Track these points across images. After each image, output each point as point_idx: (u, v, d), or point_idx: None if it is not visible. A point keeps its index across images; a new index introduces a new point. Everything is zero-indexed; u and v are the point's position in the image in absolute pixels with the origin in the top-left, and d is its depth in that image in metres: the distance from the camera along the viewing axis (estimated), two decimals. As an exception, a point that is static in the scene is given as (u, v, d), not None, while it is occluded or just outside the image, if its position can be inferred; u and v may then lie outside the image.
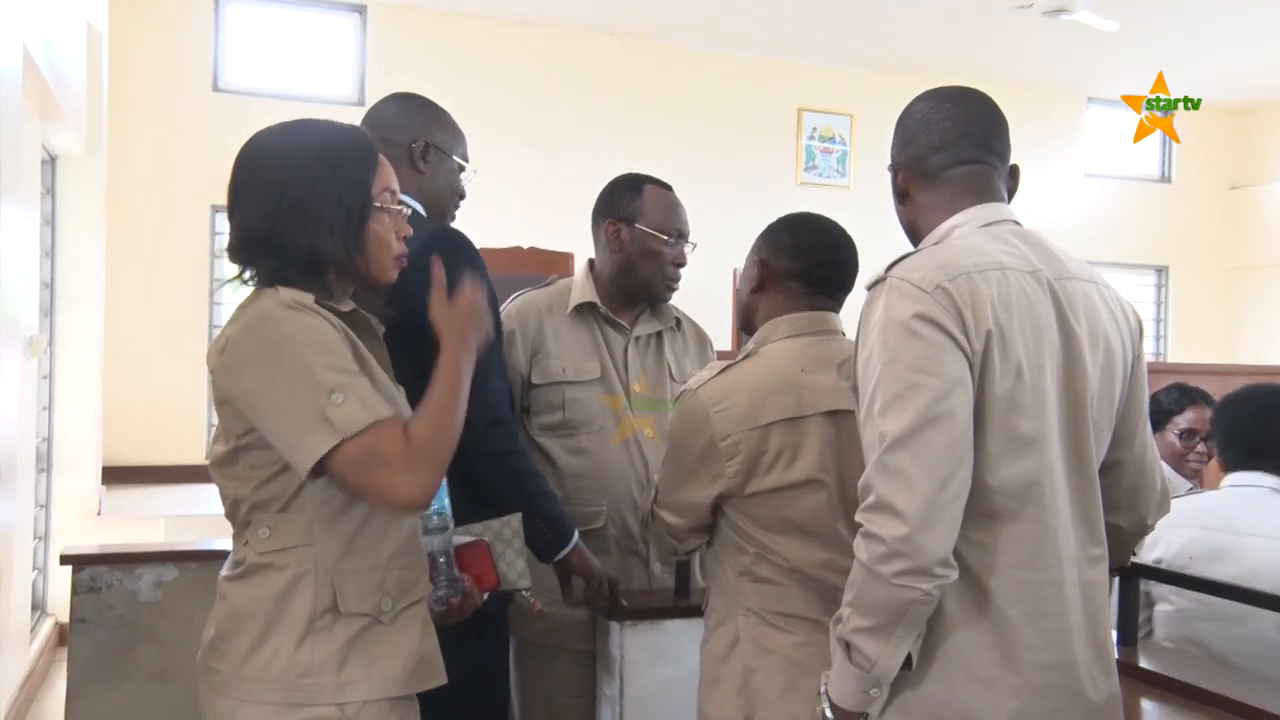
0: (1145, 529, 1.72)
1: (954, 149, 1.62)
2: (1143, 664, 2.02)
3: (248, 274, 1.56)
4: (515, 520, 1.94)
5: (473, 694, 1.78)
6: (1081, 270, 1.61)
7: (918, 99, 1.69)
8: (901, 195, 1.68)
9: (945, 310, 1.43)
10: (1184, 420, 3.16)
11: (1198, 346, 8.77)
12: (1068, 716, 1.49)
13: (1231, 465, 2.55)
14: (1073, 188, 8.64)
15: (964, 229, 1.58)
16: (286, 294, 1.49)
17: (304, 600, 1.50)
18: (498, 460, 2.00)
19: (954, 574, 1.40)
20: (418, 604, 1.60)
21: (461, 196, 2.28)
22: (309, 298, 1.50)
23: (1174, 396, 3.22)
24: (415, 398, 1.55)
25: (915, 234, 1.68)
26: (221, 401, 1.51)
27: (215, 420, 1.58)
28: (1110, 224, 8.72)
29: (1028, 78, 8.16)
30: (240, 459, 1.51)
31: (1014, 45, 7.45)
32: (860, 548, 1.41)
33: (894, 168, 1.69)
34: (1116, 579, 2.12)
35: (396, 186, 1.63)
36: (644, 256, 2.39)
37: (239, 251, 1.56)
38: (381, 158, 1.61)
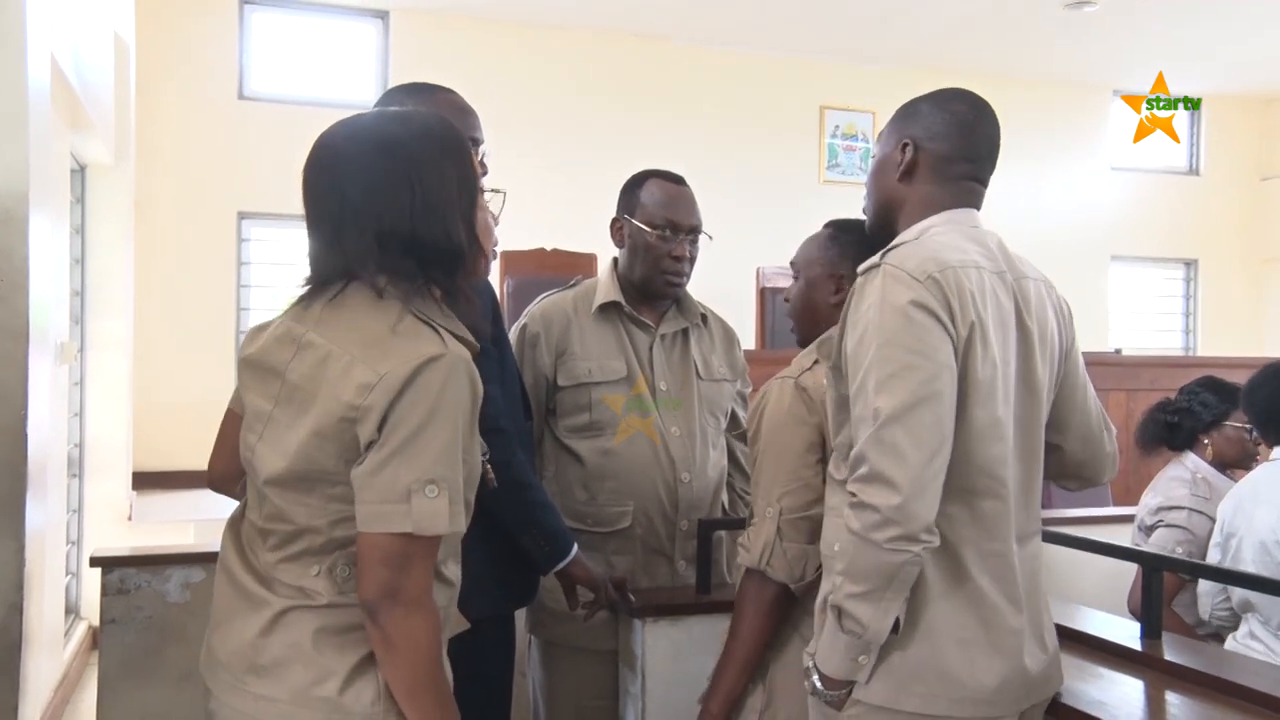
0: (1102, 482, 1.89)
1: (977, 166, 1.74)
2: (1166, 656, 2.00)
3: (380, 282, 1.43)
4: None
5: (473, 700, 1.76)
6: (1031, 270, 1.75)
7: (957, 97, 1.76)
8: (906, 172, 1.73)
9: (936, 299, 1.54)
10: (1240, 416, 3.13)
11: (1227, 340, 8.67)
12: (1021, 678, 1.63)
13: (1275, 440, 2.81)
14: (1099, 181, 8.58)
15: (939, 229, 1.67)
16: (454, 344, 1.42)
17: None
18: (495, 472, 1.90)
19: (936, 540, 1.51)
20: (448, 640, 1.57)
21: None
22: (468, 352, 1.44)
23: (1216, 398, 3.18)
24: None
25: (889, 216, 1.76)
26: (334, 433, 1.38)
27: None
28: (1138, 218, 8.65)
29: (1052, 71, 8.11)
30: (316, 489, 1.42)
31: (1038, 39, 7.40)
32: (852, 518, 1.51)
33: (912, 144, 1.73)
34: (1140, 570, 2.12)
35: None
36: (639, 250, 2.38)
37: (369, 257, 1.42)
38: None
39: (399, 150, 1.45)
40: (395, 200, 1.43)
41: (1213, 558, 2.88)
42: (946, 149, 1.71)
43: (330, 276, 1.47)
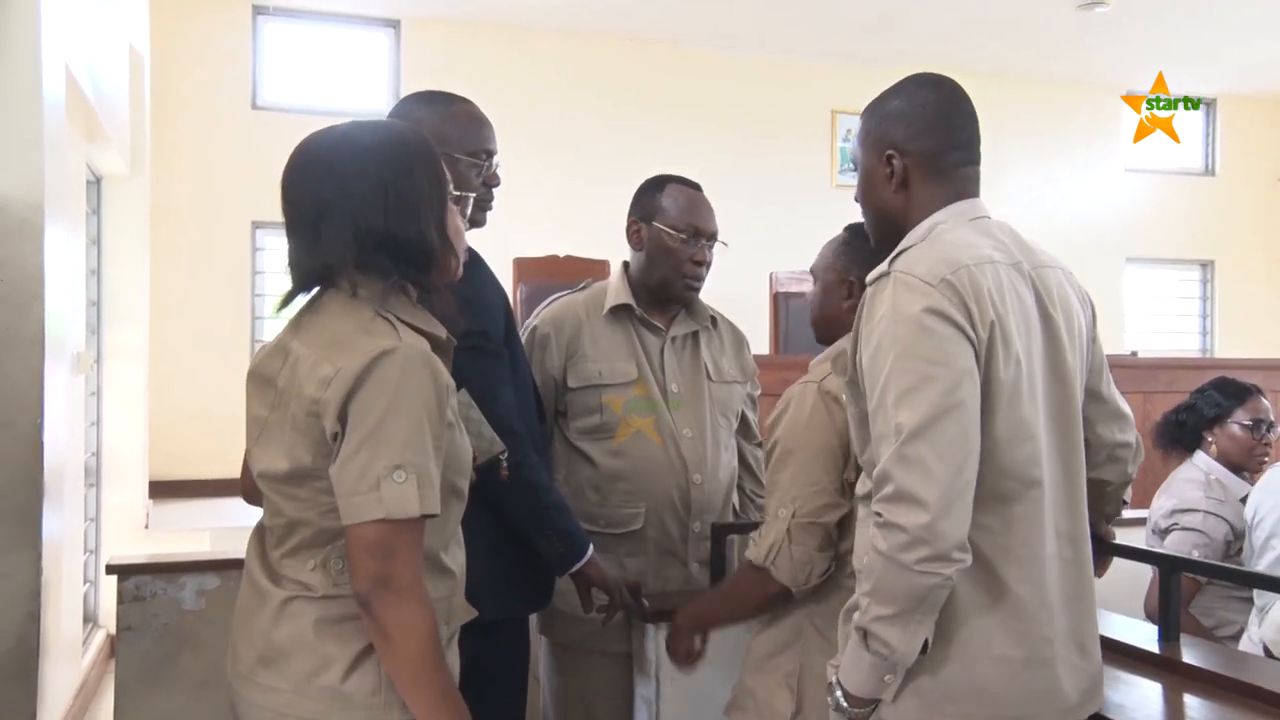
0: (1129, 478, 1.83)
1: (968, 149, 1.66)
2: (1185, 659, 1.99)
3: (346, 284, 1.49)
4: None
5: (487, 704, 1.76)
6: (1050, 258, 1.67)
7: (922, 85, 1.67)
8: (900, 183, 1.65)
9: (951, 303, 1.48)
10: (1245, 414, 3.09)
11: (1245, 341, 8.61)
12: (1059, 686, 1.56)
13: None
14: (1114, 183, 8.54)
15: (947, 224, 1.60)
16: (410, 337, 1.46)
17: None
18: (509, 473, 1.92)
19: (969, 559, 1.44)
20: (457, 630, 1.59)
21: (476, 190, 2.07)
22: (425, 344, 1.48)
23: (1221, 395, 3.15)
24: None
25: (895, 225, 1.66)
26: (306, 427, 1.44)
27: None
28: (1153, 219, 8.61)
29: (1065, 72, 8.08)
30: (305, 484, 1.47)
31: (1050, 40, 7.37)
32: (879, 538, 1.44)
33: (895, 152, 1.64)
34: (1155, 571, 2.11)
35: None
36: (660, 254, 2.39)
37: (347, 254, 1.48)
38: None
39: (369, 154, 1.52)
40: (369, 199, 1.49)
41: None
42: (932, 144, 1.63)
43: (309, 279, 1.54)
